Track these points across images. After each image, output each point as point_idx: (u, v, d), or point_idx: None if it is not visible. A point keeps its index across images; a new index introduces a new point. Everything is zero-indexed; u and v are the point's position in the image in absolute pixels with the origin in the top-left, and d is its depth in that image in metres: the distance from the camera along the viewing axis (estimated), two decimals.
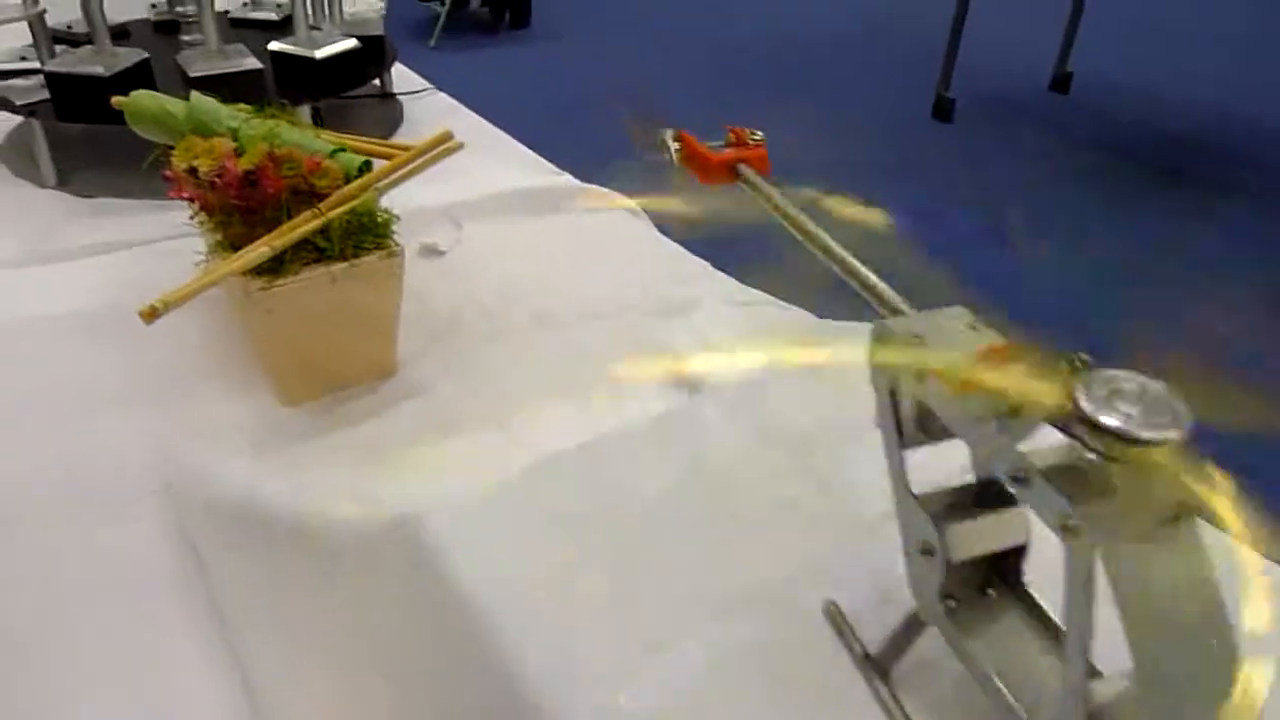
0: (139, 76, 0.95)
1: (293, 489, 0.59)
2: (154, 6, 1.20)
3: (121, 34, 1.14)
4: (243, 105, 0.75)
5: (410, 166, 0.69)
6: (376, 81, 1.14)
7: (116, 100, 0.76)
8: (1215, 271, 2.57)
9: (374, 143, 0.76)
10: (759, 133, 0.55)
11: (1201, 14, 4.74)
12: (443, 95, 1.25)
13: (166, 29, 1.17)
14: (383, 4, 1.26)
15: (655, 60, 3.98)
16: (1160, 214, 2.91)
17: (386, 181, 0.67)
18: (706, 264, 0.90)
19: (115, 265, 0.85)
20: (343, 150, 0.69)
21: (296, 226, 0.62)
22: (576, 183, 1.02)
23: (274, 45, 1.00)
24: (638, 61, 4.03)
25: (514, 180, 1.01)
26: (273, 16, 1.18)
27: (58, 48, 0.98)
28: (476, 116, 1.21)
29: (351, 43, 1.02)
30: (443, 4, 3.82)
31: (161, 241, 0.88)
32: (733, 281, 0.87)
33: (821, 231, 0.44)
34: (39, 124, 0.94)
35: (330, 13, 1.09)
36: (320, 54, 0.99)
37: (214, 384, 0.70)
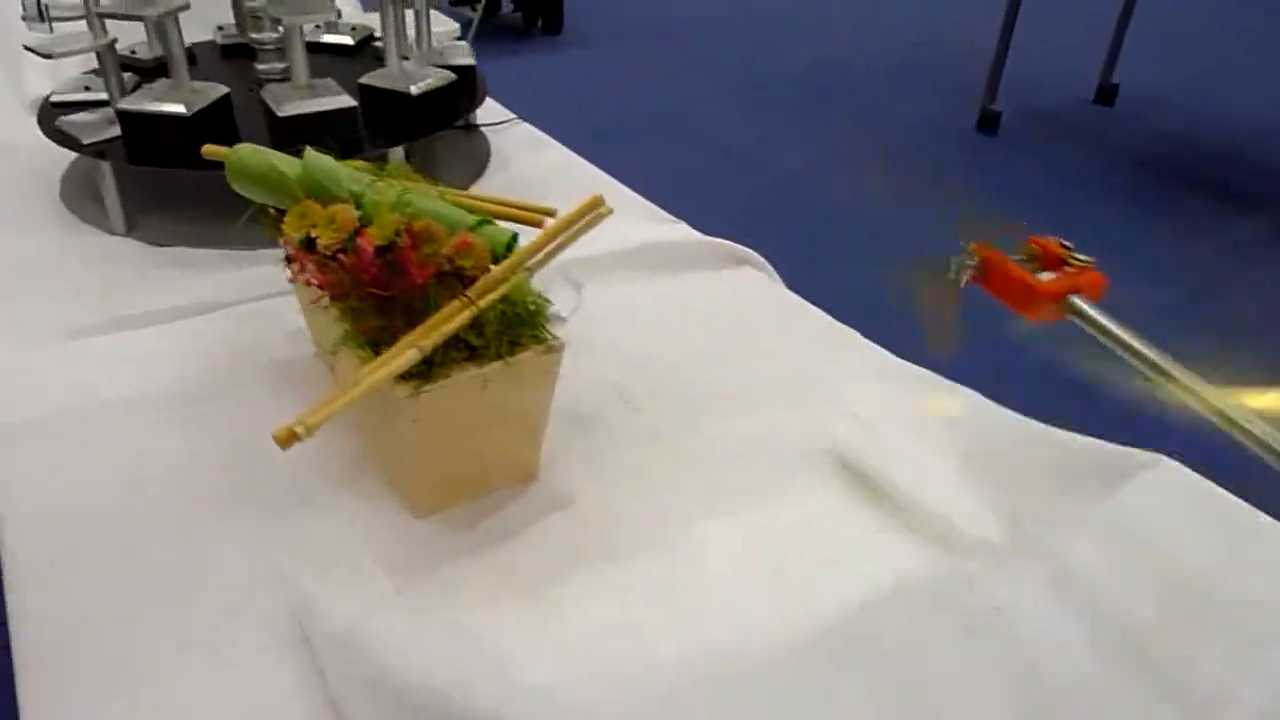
0: (220, 114, 0.86)
1: (425, 644, 0.49)
2: (220, 29, 1.11)
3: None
4: (361, 163, 0.66)
5: (562, 239, 0.60)
6: None
7: (212, 151, 0.67)
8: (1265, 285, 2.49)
9: (504, 204, 0.67)
10: (1078, 254, 0.44)
11: (1246, 28, 4.64)
12: (526, 125, 1.16)
13: (236, 54, 1.08)
14: (459, 30, 1.17)
15: (692, 73, 3.89)
16: (1211, 228, 2.82)
17: (537, 259, 0.58)
18: (851, 331, 0.81)
19: (201, 332, 0.76)
20: (488, 222, 0.60)
21: (445, 319, 0.53)
22: (696, 234, 0.93)
23: (366, 80, 0.91)
24: (675, 75, 3.95)
25: (630, 232, 0.91)
26: (347, 41, 1.09)
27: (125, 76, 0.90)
28: (566, 150, 1.11)
29: (448, 76, 0.93)
30: (475, 9, 3.74)
31: (247, 303, 0.79)
32: (886, 354, 0.77)
33: (1218, 397, 0.35)
34: (110, 167, 0.85)
35: (419, 42, 1.00)
36: (416, 89, 0.89)
37: (329, 487, 0.61)
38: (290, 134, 0.83)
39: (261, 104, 0.87)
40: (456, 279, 0.55)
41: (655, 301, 0.83)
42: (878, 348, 0.78)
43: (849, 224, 2.75)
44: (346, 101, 0.85)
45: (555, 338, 0.56)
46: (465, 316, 0.53)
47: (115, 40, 0.86)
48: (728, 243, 0.90)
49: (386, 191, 0.60)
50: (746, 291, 0.87)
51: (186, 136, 0.82)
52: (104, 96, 0.93)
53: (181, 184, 0.93)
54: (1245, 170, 3.28)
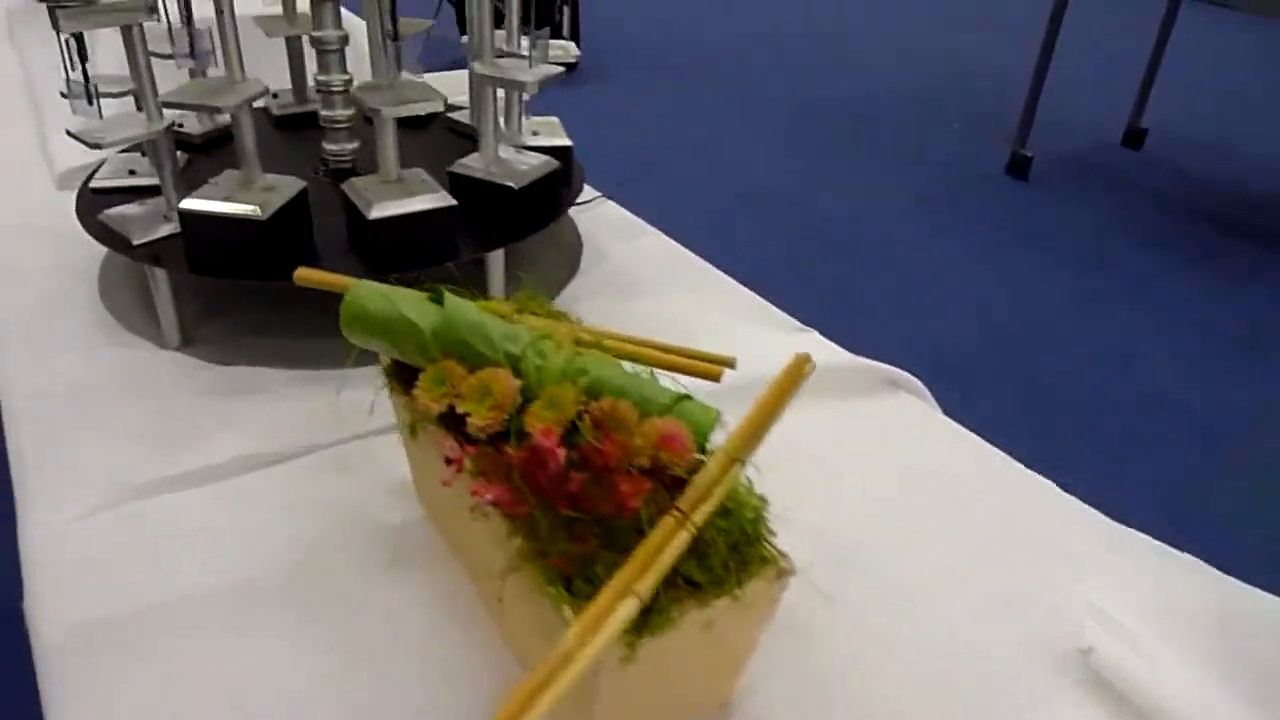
0: (296, 213, 0.73)
1: None
2: (275, 96, 0.99)
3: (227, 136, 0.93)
4: (495, 303, 0.54)
5: (771, 415, 0.47)
6: None
7: (310, 278, 0.55)
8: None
9: (671, 351, 0.55)
10: None
11: (1272, 73, 4.59)
12: (611, 204, 1.04)
13: (290, 126, 0.96)
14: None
15: (715, 108, 3.79)
16: (1255, 277, 2.74)
17: (751, 448, 0.46)
18: (1049, 484, 0.68)
19: (280, 490, 0.63)
20: (686, 397, 0.47)
21: (658, 545, 0.40)
22: (834, 349, 0.80)
23: (459, 170, 0.79)
24: (698, 109, 3.85)
25: (764, 352, 0.79)
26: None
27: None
28: (662, 236, 0.99)
29: (550, 164, 0.81)
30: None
31: (333, 446, 0.66)
32: (1095, 513, 0.65)
33: None
34: (165, 276, 0.72)
35: (508, 118, 0.88)
36: (519, 182, 0.77)
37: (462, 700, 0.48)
38: (381, 238, 0.71)
39: (342, 199, 0.75)
40: (657, 479, 0.43)
41: (815, 444, 0.70)
42: (1090, 509, 0.66)
43: (906, 283, 2.64)
44: (444, 200, 0.73)
45: (784, 555, 0.44)
46: (682, 541, 0.41)
47: (173, 125, 0.73)
48: (880, 365, 0.78)
49: (553, 354, 0.48)
50: (908, 424, 0.75)
51: (260, 242, 0.70)
52: (152, 181, 0.81)
53: (245, 287, 0.81)
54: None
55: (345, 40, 0.83)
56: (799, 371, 0.49)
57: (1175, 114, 3.81)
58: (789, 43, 4.65)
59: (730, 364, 0.55)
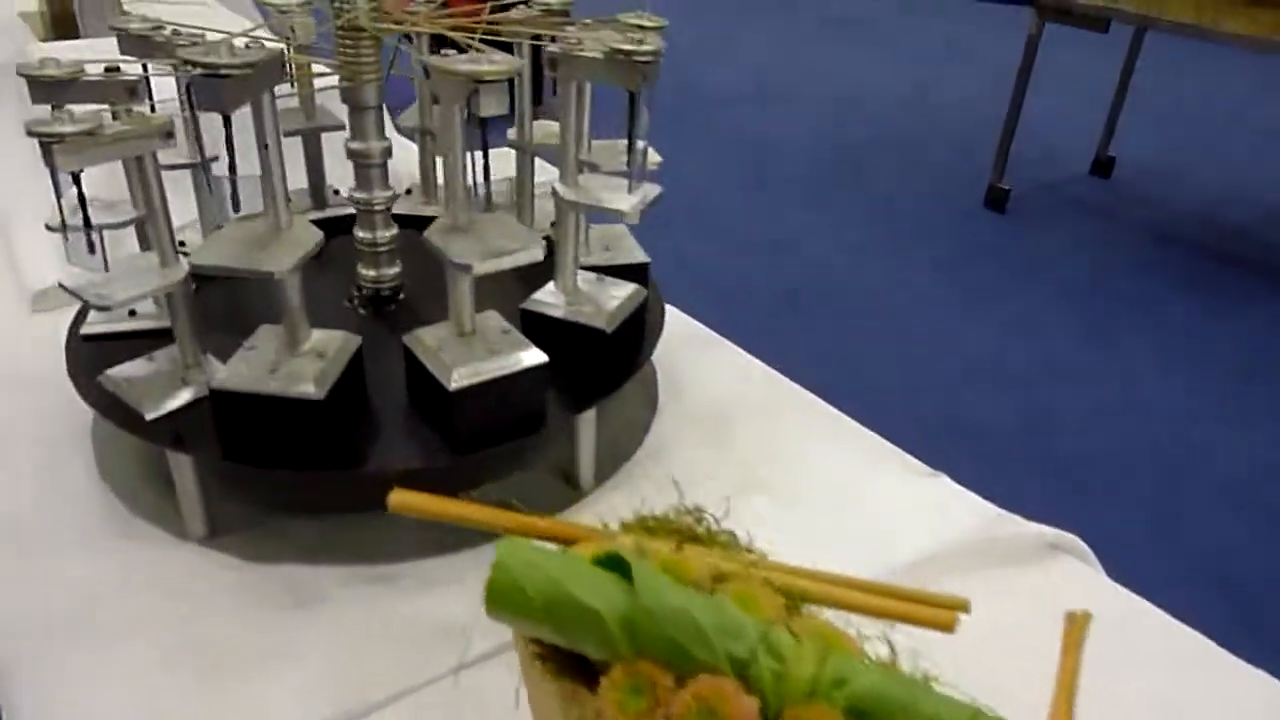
0: (352, 379, 0.60)
1: None
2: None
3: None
4: (675, 535, 0.42)
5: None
6: None
7: (408, 506, 0.42)
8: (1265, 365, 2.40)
9: (891, 596, 0.43)
10: None
11: (1238, 102, 4.65)
12: (681, 315, 0.92)
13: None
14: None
15: (694, 151, 3.69)
16: (1245, 304, 2.73)
17: None
18: (1260, 674, 0.58)
19: None
20: (979, 714, 0.36)
21: None
22: (971, 497, 0.70)
23: (535, 308, 0.66)
24: (676, 154, 3.73)
25: (892, 502, 0.68)
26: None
27: None
28: (738, 350, 0.88)
29: (638, 293, 0.69)
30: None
31: (417, 691, 0.53)
32: None
33: None
34: (190, 462, 0.58)
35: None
36: (610, 323, 0.65)
37: None
38: (463, 412, 0.58)
39: (404, 355, 0.62)
40: None
41: (968, 628, 0.59)
42: None
43: (904, 334, 2.56)
44: (534, 356, 0.60)
45: None
46: None
47: (190, 275, 0.60)
48: (1036, 526, 0.67)
49: (796, 657, 0.36)
50: (1084, 600, 0.64)
51: (315, 426, 0.56)
52: (159, 324, 0.67)
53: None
54: (1265, 244, 3.22)
55: (389, 152, 0.70)
56: (1079, 634, 0.38)
57: (1141, 143, 3.84)
58: (759, 85, 4.59)
59: (964, 607, 0.44)
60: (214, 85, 0.46)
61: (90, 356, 0.66)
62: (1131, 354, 2.47)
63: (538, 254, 0.56)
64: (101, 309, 0.56)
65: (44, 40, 1.60)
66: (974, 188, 3.42)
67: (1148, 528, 1.87)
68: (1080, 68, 4.07)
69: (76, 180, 0.55)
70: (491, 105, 0.50)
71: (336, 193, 0.88)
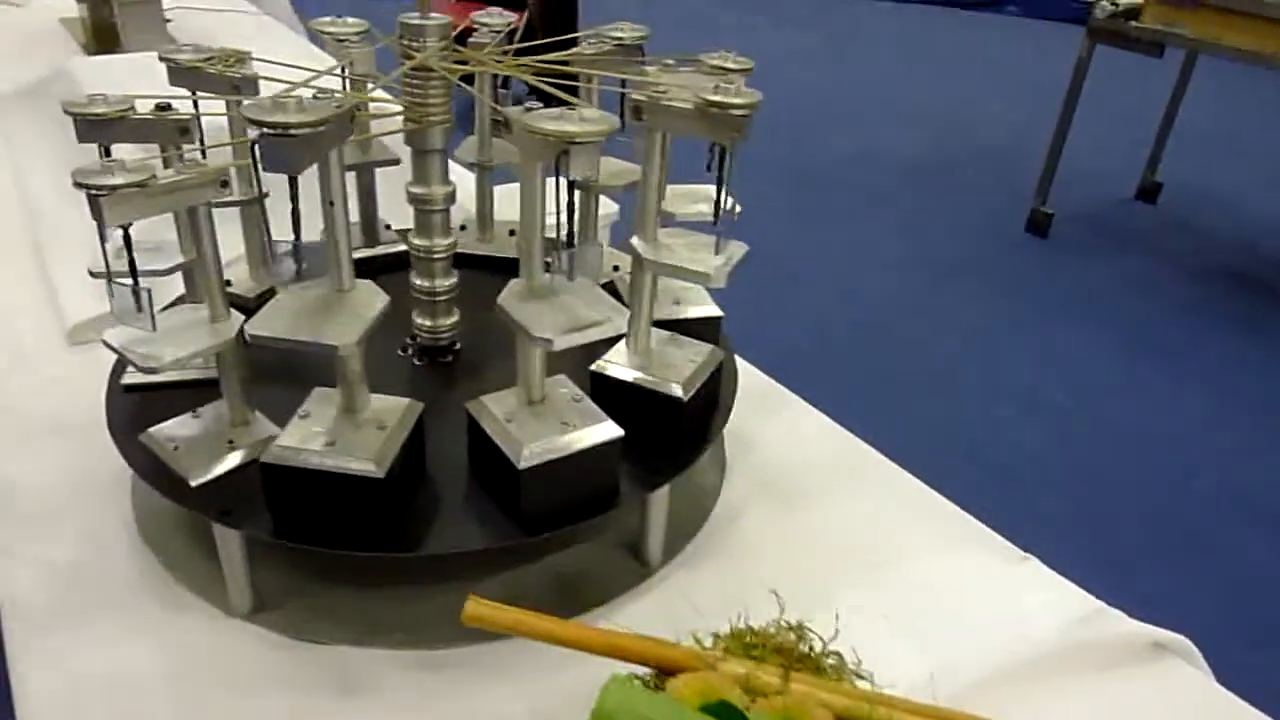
0: (413, 451, 0.56)
1: None
2: None
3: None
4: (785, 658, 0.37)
5: None
6: None
7: (497, 624, 0.38)
8: None
9: None
10: None
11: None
12: (745, 364, 0.87)
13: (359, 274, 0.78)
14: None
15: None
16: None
17: None
18: None
19: None
20: None
21: None
22: (1069, 586, 0.64)
23: (608, 371, 0.61)
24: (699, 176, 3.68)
25: (981, 587, 0.63)
26: (492, 251, 0.80)
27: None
28: (813, 410, 0.82)
29: (715, 355, 0.64)
30: None
31: None
32: None
33: None
34: (241, 540, 0.54)
35: None
36: (688, 392, 0.60)
37: None
38: (534, 492, 0.53)
39: (471, 426, 0.57)
40: None
41: None
42: None
43: (943, 363, 2.49)
44: (609, 430, 0.55)
45: None
46: None
47: (243, 328, 0.55)
48: (1143, 626, 0.61)
49: None
50: (1183, 703, 0.59)
51: (375, 505, 0.52)
52: (205, 374, 0.62)
53: None
54: None
55: (452, 198, 0.65)
56: None
57: (1188, 168, 3.74)
58: (797, 102, 4.53)
59: None
60: (283, 146, 0.42)
61: (132, 410, 0.62)
62: (1172, 401, 2.39)
63: (621, 325, 0.51)
64: (148, 371, 0.52)
65: (85, 46, 1.58)
66: (1017, 212, 3.35)
67: (1248, 616, 1.76)
68: (1124, 90, 3.98)
69: (132, 256, 0.51)
70: (583, 167, 0.45)
71: (388, 227, 0.84)
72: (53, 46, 1.57)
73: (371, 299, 0.52)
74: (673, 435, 0.61)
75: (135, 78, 0.77)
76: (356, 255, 0.80)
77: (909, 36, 5.95)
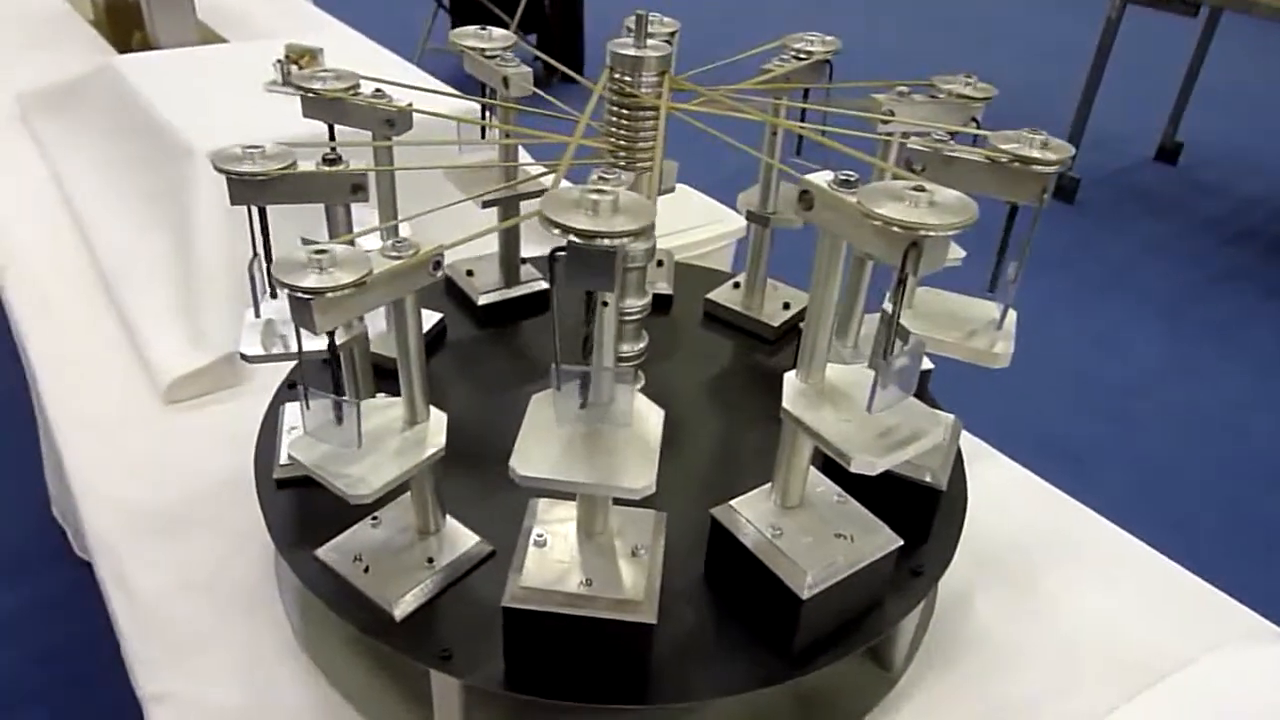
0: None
1: None
2: (470, 274, 0.71)
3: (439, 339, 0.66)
4: None
5: None
6: None
7: None
8: None
9: None
10: None
11: None
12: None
13: (501, 318, 0.69)
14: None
15: (737, 126, 3.51)
16: None
17: None
18: None
19: None
20: None
21: None
22: None
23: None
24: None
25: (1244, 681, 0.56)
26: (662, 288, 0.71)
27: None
28: (1024, 471, 0.73)
29: (957, 425, 0.56)
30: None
31: None
32: None
33: None
34: (460, 687, 0.46)
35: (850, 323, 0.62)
36: (943, 481, 0.52)
37: None
38: (813, 619, 0.45)
39: (718, 539, 0.48)
40: None
41: None
42: None
43: None
44: (889, 542, 0.47)
45: None
46: None
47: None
48: None
49: None
50: None
51: (639, 654, 0.43)
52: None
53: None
54: None
55: (653, 254, 0.56)
56: None
57: (1209, 128, 3.67)
58: None
59: None
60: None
61: (293, 512, 0.53)
62: (1219, 378, 2.33)
63: (939, 436, 0.43)
64: (356, 500, 0.43)
65: (98, 26, 1.44)
66: None
67: None
68: (1143, 50, 3.88)
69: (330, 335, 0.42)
70: (935, 262, 0.36)
71: (524, 262, 0.74)
72: (64, 32, 1.43)
73: (648, 421, 0.43)
74: (928, 526, 0.53)
75: (191, 76, 0.66)
76: (494, 297, 0.72)
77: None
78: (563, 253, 0.34)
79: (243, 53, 1.05)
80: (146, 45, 1.34)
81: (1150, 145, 3.63)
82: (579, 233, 0.33)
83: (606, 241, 0.33)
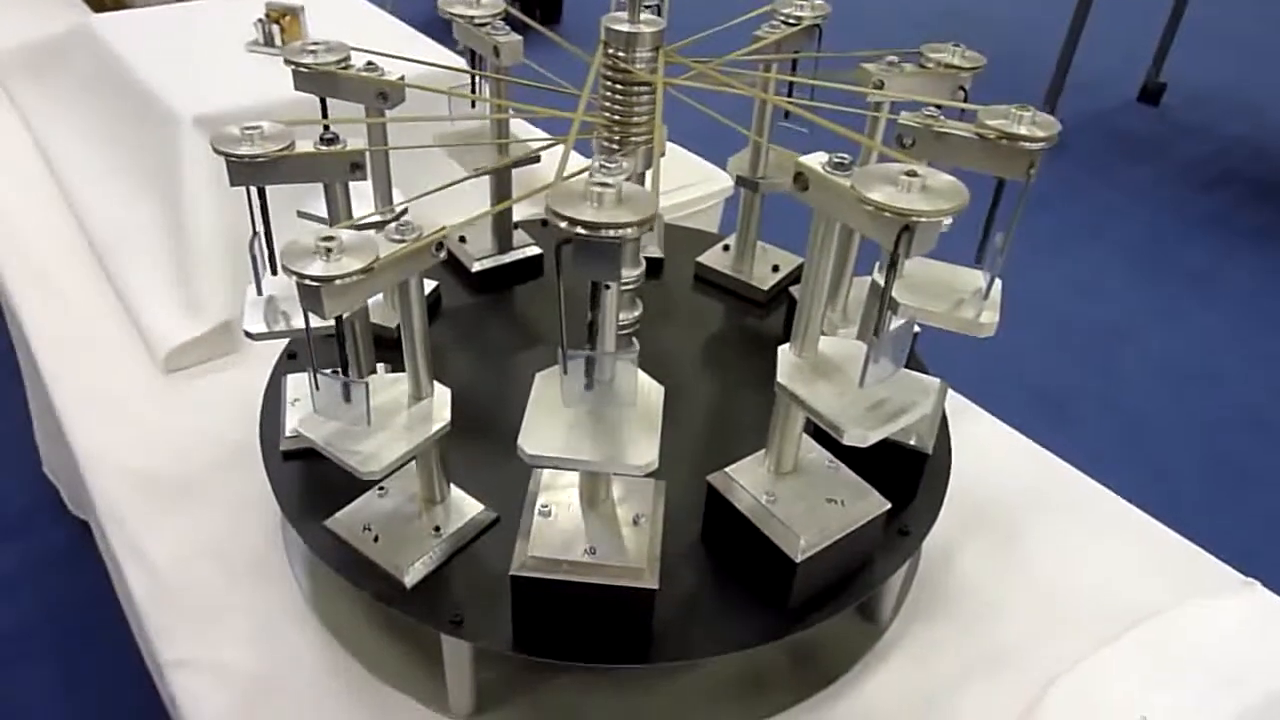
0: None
1: None
2: (463, 240, 0.72)
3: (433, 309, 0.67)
4: None
5: None
6: None
7: None
8: None
9: None
10: None
11: None
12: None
13: (497, 284, 0.70)
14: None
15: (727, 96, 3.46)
16: None
17: None
18: None
19: None
20: None
21: None
22: None
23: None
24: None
25: (1212, 624, 0.59)
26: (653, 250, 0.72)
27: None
28: (999, 423, 0.75)
29: (943, 389, 0.58)
30: None
31: None
32: None
33: None
34: (470, 649, 0.48)
35: (833, 297, 0.63)
36: (929, 445, 0.54)
37: None
38: (806, 581, 0.47)
39: (715, 505, 0.50)
40: None
41: None
42: None
43: None
44: (878, 505, 0.49)
45: None
46: None
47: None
48: None
49: None
50: None
51: (641, 617, 0.46)
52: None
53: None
54: None
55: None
56: None
57: (1193, 68, 3.66)
58: None
59: None
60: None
61: (300, 483, 0.55)
62: (1201, 327, 2.36)
63: (928, 407, 0.45)
64: (368, 476, 0.45)
65: None
66: None
67: None
68: None
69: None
70: (926, 244, 0.38)
71: (516, 226, 0.75)
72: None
73: (649, 398, 0.44)
74: (915, 488, 0.55)
75: (170, 37, 0.64)
76: (488, 263, 0.73)
77: None
78: (569, 245, 0.35)
79: (222, 10, 1.03)
80: (121, 4, 1.31)
81: (1134, 86, 3.62)
82: (586, 225, 0.35)
83: (612, 233, 0.35)
